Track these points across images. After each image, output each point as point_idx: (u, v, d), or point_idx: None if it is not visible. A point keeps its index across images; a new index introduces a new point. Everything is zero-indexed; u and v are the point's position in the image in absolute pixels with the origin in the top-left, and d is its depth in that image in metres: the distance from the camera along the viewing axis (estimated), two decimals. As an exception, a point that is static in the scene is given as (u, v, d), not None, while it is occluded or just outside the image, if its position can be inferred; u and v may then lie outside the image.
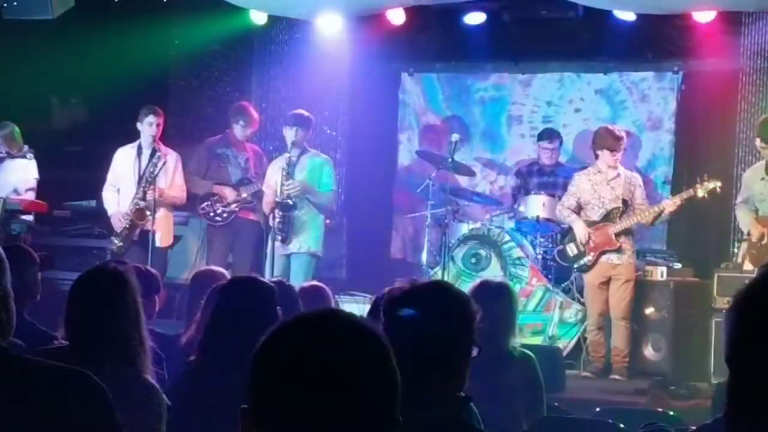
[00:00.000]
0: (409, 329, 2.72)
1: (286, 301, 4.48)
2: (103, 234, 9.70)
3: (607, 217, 8.83)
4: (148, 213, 8.95)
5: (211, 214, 9.51)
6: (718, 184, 8.58)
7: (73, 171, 10.49)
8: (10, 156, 9.57)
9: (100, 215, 9.69)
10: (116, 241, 9.07)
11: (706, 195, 8.57)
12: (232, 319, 3.97)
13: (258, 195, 9.38)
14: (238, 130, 9.62)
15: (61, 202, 10.29)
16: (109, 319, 3.58)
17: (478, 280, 5.88)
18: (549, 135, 10.16)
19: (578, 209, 8.99)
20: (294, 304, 4.87)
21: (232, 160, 9.64)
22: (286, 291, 5.08)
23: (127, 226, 9.04)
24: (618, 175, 8.91)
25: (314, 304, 5.21)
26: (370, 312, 4.47)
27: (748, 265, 8.46)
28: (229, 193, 9.48)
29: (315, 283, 6.27)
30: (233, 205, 9.46)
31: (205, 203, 9.52)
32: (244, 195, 9.45)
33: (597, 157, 8.97)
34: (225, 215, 9.49)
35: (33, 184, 9.61)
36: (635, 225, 8.84)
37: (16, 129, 9.63)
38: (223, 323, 4.02)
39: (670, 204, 8.77)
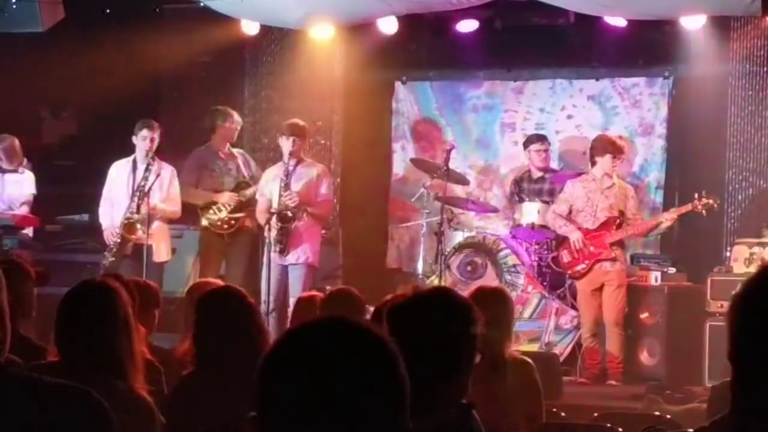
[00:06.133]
0: (413, 336, 2.70)
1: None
2: (96, 249, 9.60)
3: (604, 226, 8.84)
4: (139, 227, 8.85)
5: (219, 222, 9.35)
6: (717, 201, 8.67)
7: (64, 185, 10.44)
8: (2, 170, 9.51)
9: (93, 230, 9.62)
10: (108, 256, 8.92)
11: (704, 212, 8.65)
12: (216, 329, 4.06)
13: (252, 200, 9.31)
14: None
15: (53, 217, 10.23)
16: (99, 333, 3.51)
17: (474, 287, 5.87)
18: (538, 138, 10.18)
19: (569, 216, 8.99)
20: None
21: (223, 168, 9.56)
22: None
23: (118, 240, 8.92)
24: (612, 184, 8.93)
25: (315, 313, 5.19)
26: (371, 321, 4.45)
27: (740, 268, 8.52)
28: (230, 199, 9.37)
29: (314, 293, 6.24)
30: (239, 212, 9.34)
31: (210, 211, 9.37)
32: (248, 195, 9.31)
33: (594, 164, 8.99)
34: (233, 222, 9.36)
35: (29, 198, 9.55)
36: (630, 236, 8.89)
37: (16, 142, 9.57)
38: (209, 334, 4.09)
39: (667, 219, 8.84)
